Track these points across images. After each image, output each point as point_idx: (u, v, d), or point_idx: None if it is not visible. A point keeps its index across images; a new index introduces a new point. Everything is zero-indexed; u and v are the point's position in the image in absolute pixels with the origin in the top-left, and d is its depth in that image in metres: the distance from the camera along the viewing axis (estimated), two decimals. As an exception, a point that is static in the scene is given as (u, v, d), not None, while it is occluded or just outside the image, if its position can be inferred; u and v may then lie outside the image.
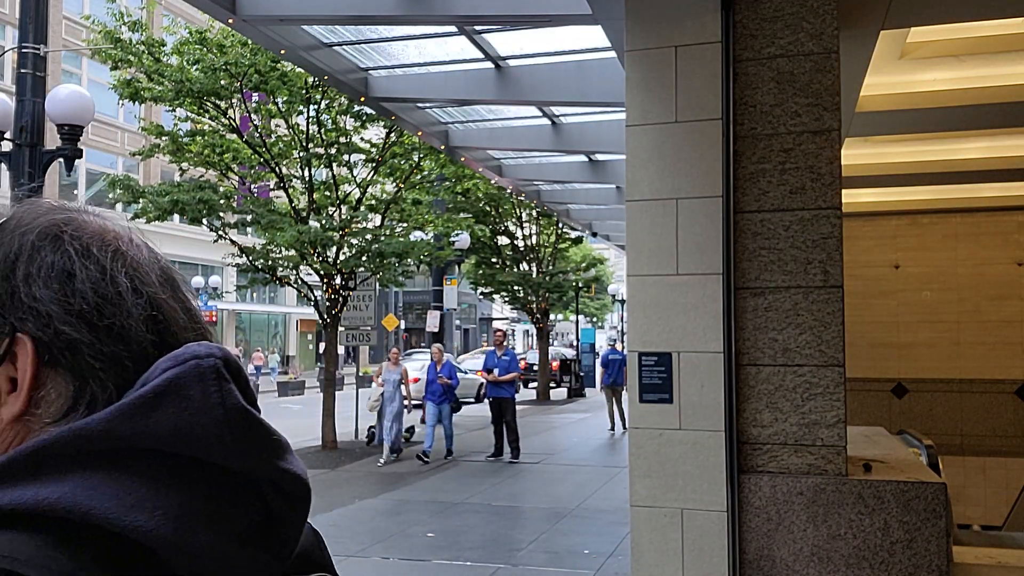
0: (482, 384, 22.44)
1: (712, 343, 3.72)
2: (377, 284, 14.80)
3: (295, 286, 14.30)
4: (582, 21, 6.19)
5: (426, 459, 11.90)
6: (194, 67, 12.10)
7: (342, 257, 13.60)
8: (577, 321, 30.53)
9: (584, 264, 28.30)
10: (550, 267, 23.97)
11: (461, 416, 18.90)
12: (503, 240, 23.25)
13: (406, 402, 12.63)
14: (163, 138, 13.07)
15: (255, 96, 12.44)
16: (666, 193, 3.86)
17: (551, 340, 28.21)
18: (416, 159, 14.15)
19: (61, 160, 8.55)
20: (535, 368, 24.30)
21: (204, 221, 13.10)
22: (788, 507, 3.58)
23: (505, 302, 25.93)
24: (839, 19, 3.75)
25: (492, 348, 13.30)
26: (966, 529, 7.56)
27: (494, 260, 23.23)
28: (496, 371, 12.48)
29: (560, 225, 22.74)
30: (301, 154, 13.30)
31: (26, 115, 8.46)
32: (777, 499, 3.60)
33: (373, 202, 14.64)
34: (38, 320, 0.62)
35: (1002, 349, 9.03)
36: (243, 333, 39.28)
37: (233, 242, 13.38)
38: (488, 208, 21.33)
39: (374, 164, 14.06)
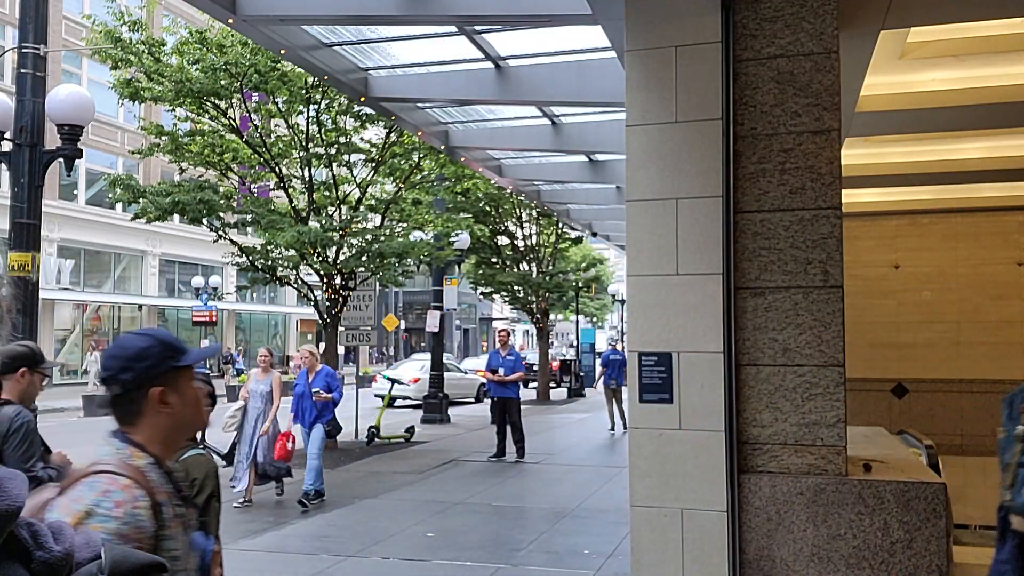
0: (482, 384, 22.46)
1: (712, 343, 3.72)
2: (377, 284, 14.79)
3: (295, 286, 14.29)
4: (582, 21, 6.20)
5: (306, 504, 8.68)
6: (194, 67, 12.10)
7: (342, 257, 13.60)
8: (577, 321, 30.53)
9: (584, 264, 28.29)
10: (550, 267, 23.96)
11: (461, 416, 18.90)
12: (503, 240, 23.24)
13: (267, 425, 8.95)
14: (163, 138, 13.07)
15: (255, 96, 12.44)
16: (666, 193, 3.86)
17: (551, 340, 28.19)
18: (416, 159, 14.15)
19: (61, 160, 8.55)
20: (535, 368, 24.30)
21: (204, 221, 13.09)
22: (788, 507, 3.58)
23: (505, 302, 25.93)
24: (839, 19, 3.75)
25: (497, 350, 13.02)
26: (966, 529, 7.55)
27: (494, 260, 23.22)
28: (501, 371, 12.36)
29: (560, 225, 22.73)
30: (301, 154, 13.30)
31: (26, 115, 8.45)
32: (777, 499, 3.59)
33: (373, 202, 14.63)
34: None
35: (1002, 349, 9.03)
36: (243, 333, 39.27)
37: (233, 242, 13.38)
38: (488, 208, 21.32)
39: (374, 164, 14.06)
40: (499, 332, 13.55)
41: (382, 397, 15.93)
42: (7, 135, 8.52)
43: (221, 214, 13.36)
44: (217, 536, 3.17)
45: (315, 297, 14.00)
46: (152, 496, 1.65)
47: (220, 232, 13.27)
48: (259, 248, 13.59)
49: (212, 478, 3.17)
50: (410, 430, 14.45)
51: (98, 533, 1.44)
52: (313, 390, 9.13)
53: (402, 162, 14.26)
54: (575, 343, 30.68)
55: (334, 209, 14.04)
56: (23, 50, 8.49)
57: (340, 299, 13.75)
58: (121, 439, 1.72)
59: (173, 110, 12.83)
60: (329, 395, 9.14)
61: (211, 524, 3.15)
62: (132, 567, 0.72)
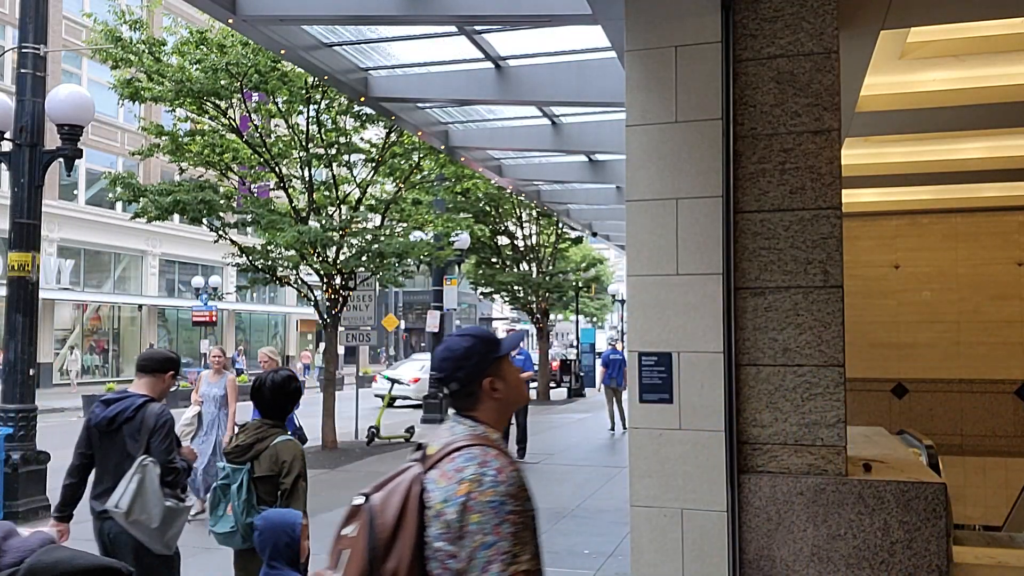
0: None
1: (712, 343, 3.72)
2: (377, 284, 14.79)
3: (295, 286, 14.29)
4: (582, 21, 6.20)
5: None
6: (195, 67, 12.09)
7: (342, 257, 13.59)
8: (577, 321, 30.53)
9: (584, 264, 28.30)
10: (550, 267, 23.96)
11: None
12: (503, 240, 23.24)
13: (227, 435, 8.22)
14: (163, 138, 13.07)
15: (255, 96, 12.44)
16: (666, 193, 3.86)
17: (551, 340, 28.18)
18: (416, 159, 14.15)
19: (61, 160, 8.55)
20: (535, 368, 24.31)
21: (204, 221, 13.09)
22: (788, 507, 3.58)
23: (505, 302, 25.92)
24: (839, 19, 3.75)
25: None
26: (966, 529, 7.56)
27: (494, 260, 23.22)
28: None
29: (560, 225, 22.73)
30: (301, 154, 13.29)
31: (26, 115, 8.46)
32: (777, 499, 3.60)
33: (373, 202, 14.63)
34: None
35: (1002, 349, 9.03)
36: (243, 333, 39.28)
37: (233, 242, 13.37)
38: (488, 208, 21.32)
39: (374, 164, 14.06)
40: (507, 333, 13.57)
41: (382, 397, 15.93)
42: (7, 135, 8.53)
43: (221, 214, 13.36)
44: (305, 512, 3.48)
45: (315, 297, 14.00)
46: (514, 463, 1.91)
47: (220, 232, 13.26)
48: (259, 248, 13.59)
49: (299, 461, 3.62)
50: (410, 430, 14.45)
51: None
52: None
53: (402, 162, 14.26)
54: (575, 343, 30.67)
55: (334, 209, 14.03)
56: (23, 50, 8.49)
57: (340, 299, 13.75)
58: (471, 420, 1.99)
59: (173, 110, 12.83)
60: None
61: (299, 501, 3.56)
62: (74, 569, 0.71)
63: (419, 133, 10.54)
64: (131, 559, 3.85)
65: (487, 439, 1.94)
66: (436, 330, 17.54)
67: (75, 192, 28.98)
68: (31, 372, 8.43)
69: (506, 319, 52.63)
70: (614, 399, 16.28)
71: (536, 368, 24.09)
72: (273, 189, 14.05)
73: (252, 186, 13.77)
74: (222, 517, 3.64)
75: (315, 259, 13.20)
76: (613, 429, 15.94)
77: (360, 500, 1.92)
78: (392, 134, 13.70)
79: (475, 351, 2.00)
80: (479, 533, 1.78)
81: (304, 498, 3.61)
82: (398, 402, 20.65)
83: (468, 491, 1.80)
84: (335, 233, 13.00)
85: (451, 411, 2.03)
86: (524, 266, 23.52)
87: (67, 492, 4.08)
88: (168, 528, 3.90)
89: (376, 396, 19.98)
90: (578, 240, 24.02)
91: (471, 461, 1.85)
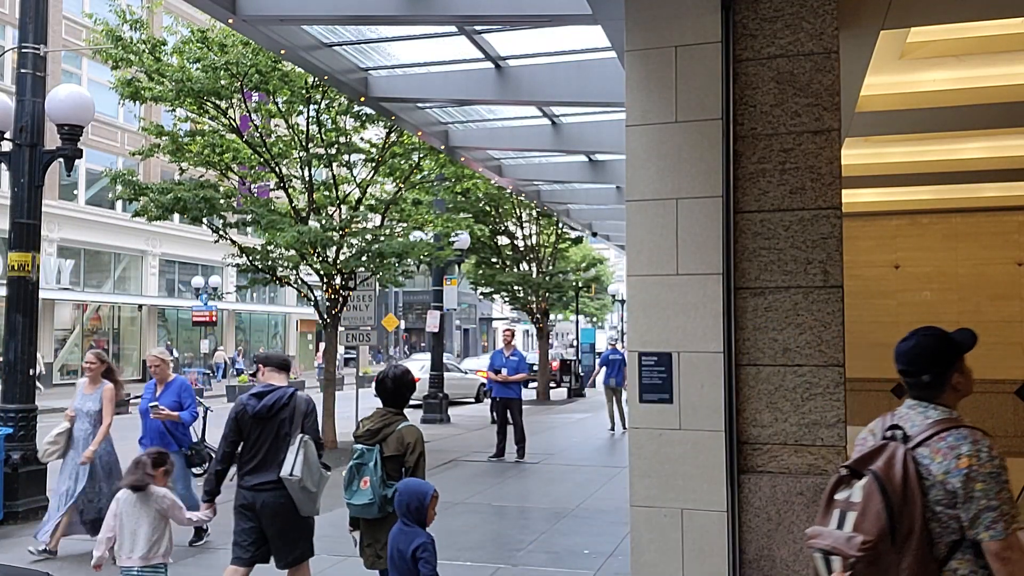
0: (482, 384, 22.45)
1: (712, 343, 3.72)
2: (377, 284, 14.79)
3: (295, 286, 14.28)
4: (582, 21, 6.20)
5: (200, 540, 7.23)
6: (195, 66, 12.09)
7: (342, 257, 13.59)
8: (577, 321, 30.53)
9: (584, 264, 28.29)
10: (550, 267, 23.95)
11: (461, 416, 18.89)
12: (503, 240, 23.23)
13: (90, 450, 6.87)
14: (163, 138, 13.06)
15: (255, 96, 12.43)
16: (666, 193, 3.86)
17: (551, 340, 28.18)
18: (416, 159, 14.14)
19: (61, 160, 8.55)
20: (535, 368, 24.31)
21: (204, 221, 13.08)
22: (788, 507, 3.58)
23: (505, 302, 25.92)
24: (839, 19, 3.75)
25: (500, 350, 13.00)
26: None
27: (494, 260, 23.21)
28: (504, 371, 12.36)
29: (560, 225, 22.73)
30: (301, 154, 13.29)
31: (26, 115, 8.46)
32: (777, 499, 3.60)
33: (373, 202, 14.62)
34: None
35: (1002, 349, 9.02)
36: (243, 333, 39.27)
37: (233, 242, 13.37)
38: (488, 208, 21.31)
39: (374, 164, 14.06)
40: (504, 332, 13.55)
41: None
42: (7, 135, 8.52)
43: (222, 213, 13.35)
44: None
45: (315, 297, 13.99)
46: (993, 442, 2.25)
47: (220, 232, 13.26)
48: (259, 248, 13.58)
49: (420, 443, 4.23)
50: (411, 430, 14.43)
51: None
52: (151, 405, 6.99)
53: (402, 162, 14.25)
54: (575, 343, 30.68)
55: (334, 209, 14.03)
56: (23, 50, 8.49)
57: (340, 299, 13.75)
58: (942, 406, 2.36)
59: (173, 110, 12.82)
60: (174, 413, 6.97)
61: (421, 475, 4.10)
62: None
63: (419, 133, 10.54)
64: (279, 523, 4.63)
65: (963, 422, 2.28)
66: (436, 330, 17.53)
67: (75, 192, 28.97)
68: (31, 372, 8.43)
69: (506, 319, 52.63)
70: (614, 399, 16.27)
71: (536, 368, 24.11)
72: (273, 189, 14.05)
73: (252, 186, 13.76)
74: (356, 491, 4.14)
75: (315, 259, 13.19)
76: (613, 429, 15.93)
77: (844, 471, 2.32)
78: (392, 134, 13.69)
79: (946, 351, 2.40)
80: (984, 498, 2.17)
81: (424, 473, 4.15)
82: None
83: (969, 464, 2.18)
84: (335, 233, 12.99)
85: (909, 399, 2.42)
86: (524, 266, 23.51)
87: (220, 477, 4.77)
88: (320, 493, 4.71)
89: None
90: (578, 240, 24.01)
91: (963, 440, 2.23)
